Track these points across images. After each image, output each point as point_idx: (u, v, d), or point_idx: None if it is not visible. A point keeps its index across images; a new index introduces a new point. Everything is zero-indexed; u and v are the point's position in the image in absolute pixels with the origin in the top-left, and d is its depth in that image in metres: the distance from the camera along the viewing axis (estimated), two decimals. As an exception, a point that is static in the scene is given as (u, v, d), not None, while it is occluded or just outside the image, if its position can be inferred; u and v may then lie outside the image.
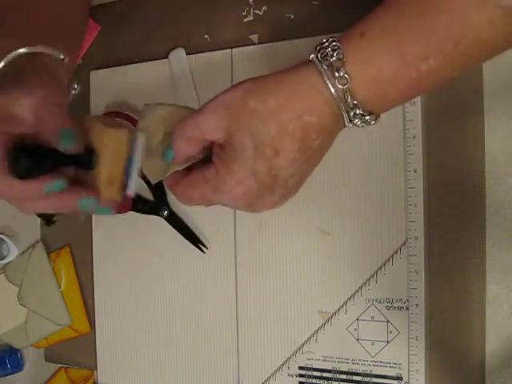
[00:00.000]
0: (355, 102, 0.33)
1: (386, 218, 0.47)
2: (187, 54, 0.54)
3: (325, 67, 0.33)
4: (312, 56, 0.34)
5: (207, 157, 0.38)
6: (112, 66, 0.58)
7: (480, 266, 0.45)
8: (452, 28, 0.31)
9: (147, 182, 0.55)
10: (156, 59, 0.56)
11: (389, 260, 0.47)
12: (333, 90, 0.32)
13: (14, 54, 0.39)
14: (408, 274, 0.46)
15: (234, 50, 0.52)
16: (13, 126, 0.36)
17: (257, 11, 0.52)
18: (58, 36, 0.42)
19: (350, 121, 0.34)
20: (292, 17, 0.50)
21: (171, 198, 0.55)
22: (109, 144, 0.38)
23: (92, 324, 0.60)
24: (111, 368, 0.59)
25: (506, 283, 0.44)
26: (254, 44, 0.52)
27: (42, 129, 0.36)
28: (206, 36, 0.54)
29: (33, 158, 0.35)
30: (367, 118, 0.34)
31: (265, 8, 0.52)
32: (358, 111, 0.33)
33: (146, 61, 0.56)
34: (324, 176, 0.49)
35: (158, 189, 0.55)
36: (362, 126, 0.34)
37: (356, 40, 0.33)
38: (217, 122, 0.34)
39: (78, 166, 0.37)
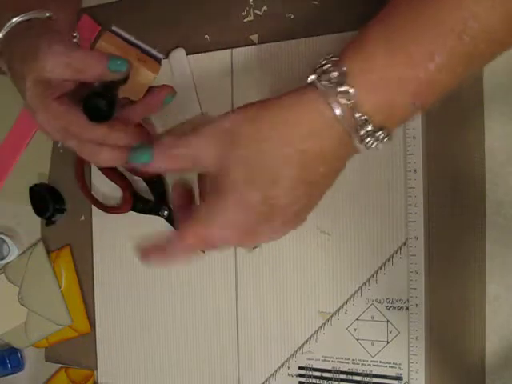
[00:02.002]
0: (363, 117, 0.30)
1: (386, 217, 0.47)
2: (187, 54, 0.54)
3: (325, 83, 0.30)
4: (311, 77, 0.31)
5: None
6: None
7: (480, 265, 0.45)
8: (454, 20, 0.29)
9: (147, 181, 0.55)
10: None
11: (389, 260, 0.47)
12: (337, 109, 0.30)
13: (7, 25, 0.41)
14: (408, 273, 0.46)
15: (234, 50, 0.52)
16: (58, 90, 0.39)
17: (257, 11, 0.52)
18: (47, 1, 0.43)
19: (361, 141, 0.31)
20: (292, 17, 0.50)
21: (171, 198, 0.55)
22: (110, 46, 0.45)
23: (92, 324, 0.60)
24: (111, 368, 0.59)
25: (506, 283, 0.44)
26: (254, 44, 0.52)
27: (85, 74, 0.39)
28: (206, 36, 0.54)
29: (103, 98, 0.38)
30: (379, 134, 0.31)
31: (265, 8, 0.52)
32: (368, 127, 0.30)
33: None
34: (324, 176, 0.49)
35: (158, 189, 0.55)
36: (375, 146, 0.32)
37: (355, 50, 0.31)
38: (209, 149, 0.33)
39: (122, 84, 0.41)
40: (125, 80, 0.41)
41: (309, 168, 0.32)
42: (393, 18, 0.30)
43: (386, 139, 0.31)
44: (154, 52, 0.43)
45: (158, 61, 0.43)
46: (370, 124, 0.30)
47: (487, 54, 0.30)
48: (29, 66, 0.38)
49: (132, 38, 0.42)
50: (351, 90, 0.30)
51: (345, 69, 0.30)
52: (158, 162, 0.36)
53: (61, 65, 0.38)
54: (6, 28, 0.41)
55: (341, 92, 0.30)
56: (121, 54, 0.41)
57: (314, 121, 0.31)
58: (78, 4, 0.50)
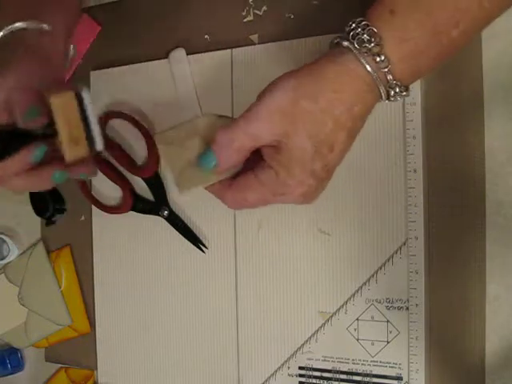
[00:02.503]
0: (395, 80, 0.34)
1: (385, 218, 0.47)
2: (187, 54, 0.54)
3: (364, 54, 0.33)
4: (346, 43, 0.34)
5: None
6: (112, 66, 0.58)
7: (480, 266, 0.45)
8: None
9: (147, 181, 0.55)
10: (156, 59, 0.56)
11: (389, 260, 0.47)
12: (375, 75, 0.33)
13: (6, 29, 0.39)
14: (408, 274, 0.46)
15: (234, 50, 0.52)
16: None
17: (257, 11, 0.52)
18: (42, 6, 0.42)
19: (388, 98, 0.35)
20: (292, 17, 0.50)
21: (171, 198, 0.55)
22: (58, 107, 0.39)
23: (92, 324, 0.60)
24: (111, 368, 0.59)
25: (506, 283, 0.44)
26: (254, 44, 0.52)
27: (12, 112, 0.37)
28: (206, 36, 0.54)
29: (1, 141, 0.37)
30: (404, 93, 0.35)
31: (265, 8, 0.52)
32: (397, 89, 0.34)
33: (146, 61, 0.56)
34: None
35: (158, 189, 0.55)
36: (396, 101, 0.36)
37: (387, 19, 0.33)
38: (272, 129, 0.35)
39: (45, 139, 0.39)
40: (46, 136, 0.39)
41: (354, 128, 0.36)
42: None
43: (406, 95, 0.35)
44: (97, 139, 0.41)
45: (93, 148, 0.41)
46: (398, 86, 0.34)
47: (499, 13, 0.33)
48: None
49: (90, 112, 0.40)
50: (387, 59, 0.33)
51: (381, 39, 0.33)
52: (224, 161, 0.37)
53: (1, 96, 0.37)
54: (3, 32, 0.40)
55: (378, 61, 0.33)
56: (60, 122, 0.39)
57: (359, 88, 0.34)
58: (77, 15, 0.49)
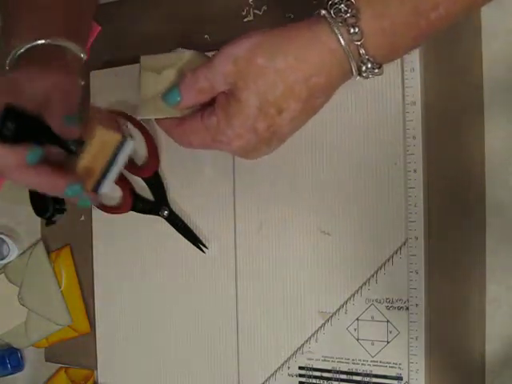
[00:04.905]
0: (367, 56, 0.33)
1: (385, 217, 0.47)
2: (187, 54, 0.54)
3: (339, 24, 0.32)
4: (323, 12, 0.33)
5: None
6: (112, 66, 0.58)
7: (480, 266, 0.45)
8: None
9: (147, 181, 0.55)
10: (156, 59, 0.56)
11: (389, 260, 0.47)
12: (346, 47, 0.33)
13: (34, 43, 0.40)
14: (408, 274, 0.46)
15: (234, 49, 0.52)
16: (18, 99, 0.37)
17: (257, 11, 0.52)
18: (70, 32, 0.44)
19: (359, 74, 0.34)
20: (292, 17, 0.50)
21: (171, 197, 0.55)
22: (97, 139, 0.40)
23: (92, 324, 0.60)
24: (111, 368, 0.59)
25: (506, 283, 0.44)
26: (254, 44, 0.52)
27: (49, 110, 0.38)
28: (206, 36, 0.54)
29: (20, 122, 0.36)
30: (376, 70, 0.34)
31: (265, 8, 0.52)
32: (369, 65, 0.33)
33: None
34: (324, 176, 0.49)
35: (158, 189, 0.55)
36: (368, 78, 0.35)
37: None
38: (224, 77, 0.35)
39: (62, 146, 0.39)
40: (68, 148, 0.39)
41: (312, 100, 0.35)
42: None
43: (380, 73, 0.34)
44: (106, 183, 0.41)
45: (96, 190, 0.42)
46: (370, 61, 0.33)
47: (481, 2, 0.34)
48: (16, 73, 0.39)
49: (120, 161, 0.41)
50: (362, 33, 0.32)
51: (359, 12, 0.32)
52: (186, 100, 0.37)
53: (34, 85, 0.38)
54: (24, 48, 0.41)
55: (352, 32, 0.32)
56: (90, 151, 0.40)
57: (324, 57, 0.33)
58: (89, 34, 0.50)
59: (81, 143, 0.39)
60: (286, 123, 0.35)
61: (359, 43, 0.32)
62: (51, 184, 0.39)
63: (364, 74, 0.34)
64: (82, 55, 0.43)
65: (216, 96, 0.37)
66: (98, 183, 0.41)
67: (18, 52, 0.41)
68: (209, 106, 0.38)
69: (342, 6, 0.32)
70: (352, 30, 0.32)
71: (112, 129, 0.41)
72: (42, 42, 0.41)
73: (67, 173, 0.40)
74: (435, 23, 0.33)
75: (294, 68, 0.33)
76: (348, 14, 0.32)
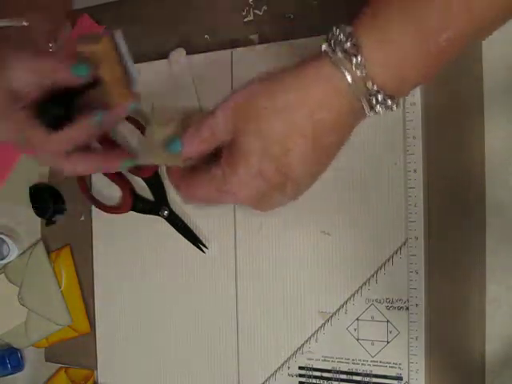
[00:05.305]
0: (375, 87, 0.30)
1: (386, 217, 0.47)
2: (187, 54, 0.54)
3: (339, 55, 0.31)
4: (324, 47, 0.32)
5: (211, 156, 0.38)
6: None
7: (480, 266, 0.45)
8: None
9: (147, 181, 0.55)
10: (156, 59, 0.56)
11: (389, 260, 0.47)
12: (350, 79, 0.30)
13: None
14: (408, 274, 0.46)
15: (233, 50, 0.52)
16: (23, 101, 0.38)
17: (257, 11, 0.52)
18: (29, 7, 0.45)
19: (371, 109, 0.32)
20: (292, 17, 0.50)
21: (171, 197, 0.55)
22: (102, 53, 0.40)
23: (92, 324, 0.60)
24: (111, 368, 0.59)
25: (506, 283, 0.44)
26: (254, 44, 0.52)
27: (51, 78, 0.38)
28: (206, 36, 0.54)
29: (56, 104, 0.38)
30: (389, 103, 0.31)
31: (265, 8, 0.52)
32: (379, 97, 0.31)
33: (146, 61, 0.56)
34: (324, 176, 0.49)
35: (157, 189, 0.55)
36: (384, 113, 0.32)
37: (369, 21, 0.31)
38: (225, 125, 0.34)
39: (90, 88, 0.40)
40: (92, 86, 0.40)
41: (321, 137, 0.32)
42: None
43: (395, 106, 0.32)
44: (133, 73, 0.43)
45: (132, 84, 0.43)
46: (380, 94, 0.31)
47: (491, 23, 0.31)
48: None
49: (125, 52, 0.42)
50: (365, 62, 0.30)
51: (360, 40, 0.30)
52: (189, 151, 0.36)
53: (27, 71, 0.38)
54: None
55: (355, 63, 0.30)
56: (105, 67, 0.41)
57: (328, 93, 0.31)
58: (61, 13, 0.50)
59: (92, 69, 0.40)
60: (295, 163, 0.33)
61: (364, 74, 0.30)
62: (106, 164, 0.41)
63: (377, 109, 0.32)
64: (24, 23, 0.44)
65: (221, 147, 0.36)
66: (129, 80, 0.42)
67: None
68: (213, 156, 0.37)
69: (341, 36, 0.31)
70: (355, 61, 0.30)
71: (93, 38, 0.41)
72: None
73: (118, 151, 0.41)
74: (447, 49, 0.30)
75: (296, 105, 0.32)
76: (348, 44, 0.30)
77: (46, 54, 0.40)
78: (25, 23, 0.44)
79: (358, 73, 0.30)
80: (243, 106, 0.33)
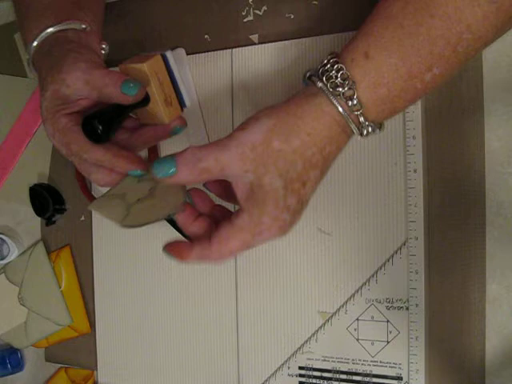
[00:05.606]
0: (367, 122, 0.35)
1: (385, 218, 0.47)
2: (187, 54, 0.54)
3: (337, 97, 0.34)
4: (320, 85, 0.35)
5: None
6: (112, 66, 0.58)
7: (480, 265, 0.45)
8: (450, 33, 0.32)
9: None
10: (156, 59, 0.56)
11: (389, 260, 0.47)
12: (347, 117, 0.34)
13: (44, 33, 0.43)
14: (408, 274, 0.46)
15: (233, 49, 0.52)
16: (71, 107, 0.41)
17: (257, 11, 0.52)
18: (77, 8, 0.46)
19: (362, 135, 0.36)
20: (292, 17, 0.50)
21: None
22: (151, 71, 0.41)
23: (92, 324, 0.60)
24: (111, 368, 0.59)
25: (506, 283, 0.44)
26: (254, 44, 0.52)
27: (100, 92, 0.40)
28: (206, 36, 0.54)
29: (100, 120, 0.39)
30: (377, 131, 0.36)
31: (265, 8, 0.52)
32: (370, 129, 0.35)
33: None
34: (324, 177, 0.49)
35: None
36: (369, 136, 0.36)
37: (361, 63, 0.34)
38: (243, 164, 0.34)
39: (139, 107, 0.42)
40: (141, 104, 0.41)
41: (326, 166, 0.37)
42: (390, 32, 0.33)
43: (379, 131, 0.37)
44: (185, 96, 0.44)
45: (182, 106, 0.44)
46: (372, 126, 0.35)
47: (474, 56, 0.34)
48: (52, 77, 0.41)
49: (176, 71, 0.43)
50: (360, 103, 0.34)
51: (355, 85, 0.34)
52: (183, 174, 0.36)
53: (80, 81, 0.40)
54: (42, 37, 0.43)
55: (351, 105, 0.34)
56: (154, 86, 0.42)
57: (332, 131, 0.35)
58: (104, 15, 0.52)
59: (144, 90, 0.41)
60: (310, 191, 0.37)
61: (358, 113, 0.34)
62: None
63: (365, 136, 0.36)
64: (84, 27, 0.45)
65: (232, 191, 0.36)
66: (180, 102, 0.44)
67: (33, 45, 0.43)
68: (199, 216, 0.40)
69: (339, 79, 0.34)
70: (350, 103, 0.34)
71: (146, 59, 0.42)
72: (51, 30, 0.43)
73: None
74: (431, 83, 0.34)
75: (309, 144, 0.35)
76: (346, 88, 0.34)
77: (101, 67, 0.41)
78: (83, 26, 0.45)
79: (353, 111, 0.34)
80: (261, 147, 0.34)
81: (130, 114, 0.43)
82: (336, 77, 0.34)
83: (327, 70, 0.35)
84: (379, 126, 0.36)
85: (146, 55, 0.42)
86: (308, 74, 0.36)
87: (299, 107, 0.35)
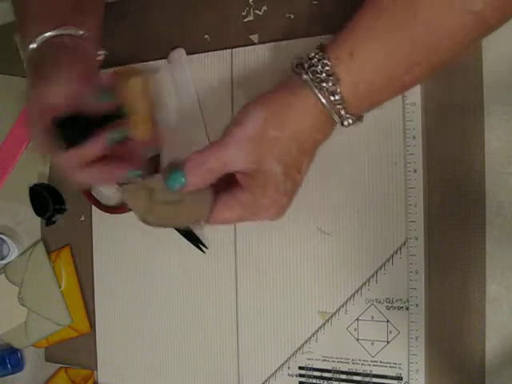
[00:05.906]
0: (348, 115, 0.37)
1: (386, 218, 0.47)
2: (187, 54, 0.54)
3: (322, 91, 0.36)
4: (305, 77, 0.37)
5: None
6: (112, 66, 0.58)
7: (480, 265, 0.45)
8: (430, 38, 0.34)
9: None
10: (156, 59, 0.56)
11: (389, 260, 0.47)
12: (330, 109, 0.37)
13: (40, 38, 0.44)
14: (408, 274, 0.46)
15: (233, 50, 0.52)
16: (52, 113, 0.42)
17: (257, 11, 0.52)
18: (74, 13, 0.47)
19: (342, 124, 0.38)
20: (292, 17, 0.50)
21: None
22: (137, 88, 0.43)
23: (92, 324, 0.60)
24: (111, 368, 0.59)
25: (506, 283, 0.44)
26: (254, 44, 0.52)
27: (81, 102, 0.42)
28: (206, 36, 0.54)
29: (72, 126, 0.41)
30: (358, 121, 0.39)
31: (265, 8, 0.52)
32: (350, 120, 0.38)
33: (145, 61, 0.56)
34: (324, 176, 0.49)
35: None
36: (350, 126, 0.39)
37: (346, 62, 0.36)
38: (244, 156, 0.37)
39: (114, 120, 0.43)
40: (116, 117, 0.43)
41: (314, 153, 0.40)
42: (379, 29, 0.35)
43: (359, 122, 0.39)
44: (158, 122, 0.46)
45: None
46: (352, 118, 0.38)
47: (454, 59, 0.36)
48: (40, 81, 0.43)
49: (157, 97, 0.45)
50: (342, 98, 0.36)
51: (339, 82, 0.36)
52: (193, 181, 0.39)
53: (61, 94, 0.42)
54: (39, 41, 0.44)
55: (333, 100, 0.36)
56: (135, 103, 0.44)
57: (318, 118, 0.38)
58: (102, 20, 0.52)
59: (123, 105, 0.42)
60: (303, 177, 0.40)
61: (340, 107, 0.37)
62: (110, 175, 0.44)
63: (345, 126, 0.38)
64: (82, 33, 0.46)
65: (234, 177, 0.39)
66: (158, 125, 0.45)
67: (29, 48, 0.44)
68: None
69: (324, 75, 0.36)
70: (333, 98, 0.36)
71: (134, 75, 0.43)
72: (48, 34, 0.44)
73: (124, 162, 0.44)
74: (409, 83, 0.37)
75: (301, 131, 0.37)
76: (330, 84, 0.36)
77: (79, 78, 0.43)
78: (80, 32, 0.45)
79: (335, 105, 0.37)
80: (259, 138, 0.37)
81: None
82: (321, 72, 0.36)
83: (313, 65, 0.36)
84: (360, 117, 0.39)
85: (139, 70, 0.44)
86: (295, 63, 0.38)
87: (288, 98, 0.37)
